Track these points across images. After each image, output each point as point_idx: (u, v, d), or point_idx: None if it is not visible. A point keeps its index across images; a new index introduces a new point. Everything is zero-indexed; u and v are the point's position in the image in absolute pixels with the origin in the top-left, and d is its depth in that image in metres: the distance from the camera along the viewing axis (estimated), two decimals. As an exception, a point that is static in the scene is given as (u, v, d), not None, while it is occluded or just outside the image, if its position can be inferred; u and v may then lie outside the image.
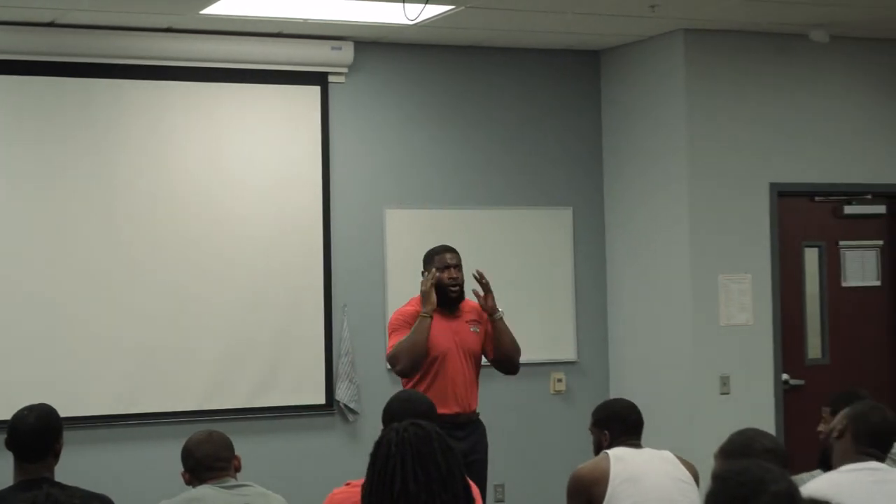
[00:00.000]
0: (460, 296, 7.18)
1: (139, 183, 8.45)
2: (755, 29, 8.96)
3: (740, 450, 4.33)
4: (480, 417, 7.25)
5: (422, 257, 9.03)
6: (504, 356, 7.24)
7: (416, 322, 6.97)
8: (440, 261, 7.18)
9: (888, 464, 5.23)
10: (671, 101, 9.02)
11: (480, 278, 7.14)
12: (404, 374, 7.04)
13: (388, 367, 7.40)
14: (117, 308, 8.35)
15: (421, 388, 6.95)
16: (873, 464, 4.59)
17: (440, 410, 6.90)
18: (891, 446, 4.75)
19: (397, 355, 7.00)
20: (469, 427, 7.10)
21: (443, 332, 7.06)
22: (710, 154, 8.96)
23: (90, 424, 8.24)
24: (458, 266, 7.19)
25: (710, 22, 8.72)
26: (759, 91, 9.12)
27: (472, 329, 7.18)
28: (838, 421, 4.73)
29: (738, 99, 9.06)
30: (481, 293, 7.13)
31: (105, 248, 8.35)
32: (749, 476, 2.98)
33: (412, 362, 6.98)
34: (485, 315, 7.21)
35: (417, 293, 7.14)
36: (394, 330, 7.15)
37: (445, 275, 7.13)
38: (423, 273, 7.24)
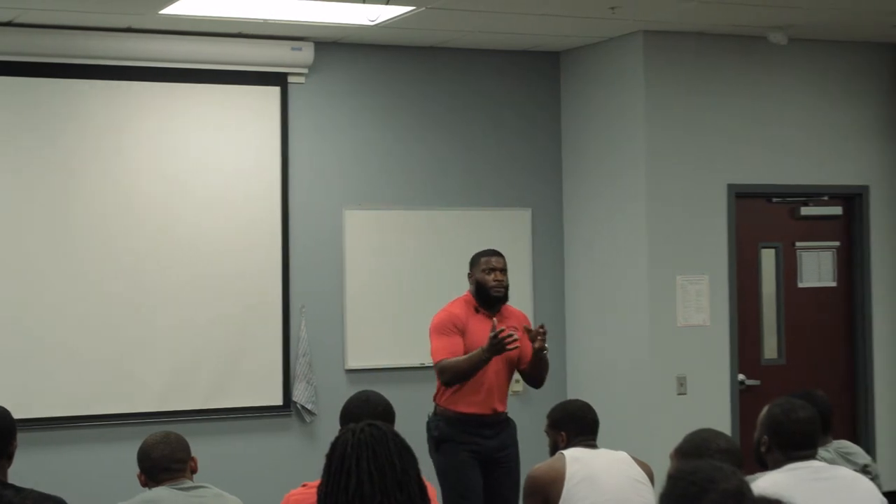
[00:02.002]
0: (503, 298, 7.22)
1: (97, 184, 8.42)
2: (714, 31, 9.00)
3: (696, 450, 4.36)
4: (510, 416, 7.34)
5: (381, 258, 9.08)
6: (537, 377, 7.30)
7: (476, 356, 6.94)
8: (486, 263, 7.24)
9: (823, 456, 5.30)
10: (630, 103, 9.05)
11: (541, 333, 7.08)
12: (444, 385, 7.12)
13: (431, 365, 7.33)
14: (73, 309, 8.31)
15: (453, 387, 7.07)
16: (809, 462, 4.64)
17: (469, 410, 7.05)
18: (817, 440, 4.80)
19: (446, 370, 7.04)
20: (497, 426, 7.17)
21: (483, 335, 7.02)
22: (669, 155, 8.99)
23: (45, 426, 8.21)
24: (504, 269, 7.25)
25: (669, 24, 8.76)
26: (717, 93, 9.16)
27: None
28: (759, 433, 4.78)
29: (697, 100, 9.10)
30: (536, 344, 7.08)
31: (61, 249, 8.32)
32: (700, 475, 3.01)
33: (454, 382, 7.06)
34: (522, 322, 7.26)
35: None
36: (439, 333, 7.15)
37: (490, 277, 7.19)
38: (468, 275, 7.30)
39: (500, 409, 7.18)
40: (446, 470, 7.10)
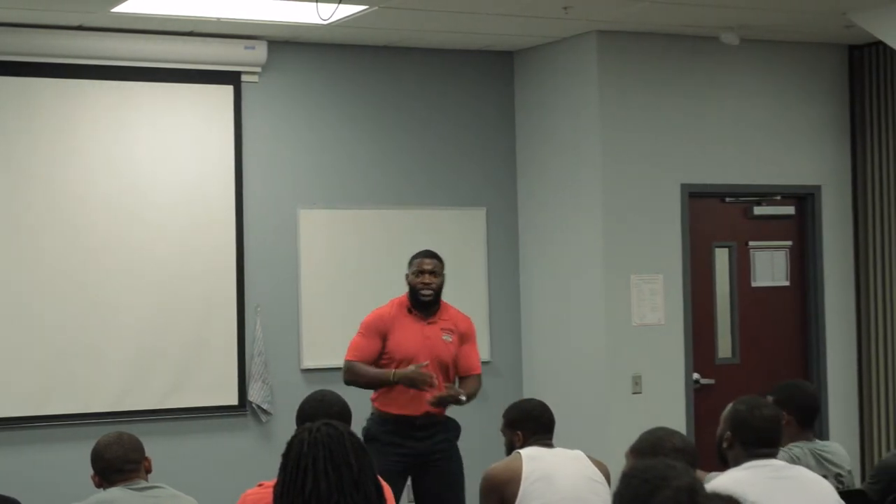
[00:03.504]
0: (434, 301, 7.17)
1: (48, 184, 8.36)
2: (667, 31, 9.03)
3: (650, 448, 4.37)
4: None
5: (336, 257, 9.07)
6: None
7: (384, 377, 6.99)
8: (417, 265, 7.21)
9: (794, 453, 5.33)
10: (584, 102, 9.07)
11: (455, 397, 7.08)
12: (345, 383, 7.12)
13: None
14: (26, 309, 8.26)
15: (385, 389, 7.05)
16: (770, 461, 4.67)
17: (400, 411, 6.99)
18: (779, 439, 4.83)
19: (349, 372, 7.12)
20: (430, 428, 7.08)
21: (413, 337, 7.06)
22: (623, 155, 9.02)
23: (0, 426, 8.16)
24: (434, 272, 7.18)
25: (622, 24, 8.78)
26: (670, 92, 9.19)
27: (444, 337, 7.16)
28: (723, 429, 4.80)
29: (651, 100, 9.12)
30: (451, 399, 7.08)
31: (13, 248, 8.26)
32: (652, 473, 3.01)
33: (353, 385, 7.10)
34: (461, 326, 7.24)
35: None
36: (361, 332, 7.19)
37: (419, 280, 7.15)
38: (406, 275, 7.27)
39: (432, 410, 7.09)
40: None
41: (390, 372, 6.98)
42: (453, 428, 7.25)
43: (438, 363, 7.09)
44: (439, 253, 9.07)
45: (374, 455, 7.07)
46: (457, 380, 7.25)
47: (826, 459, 5.57)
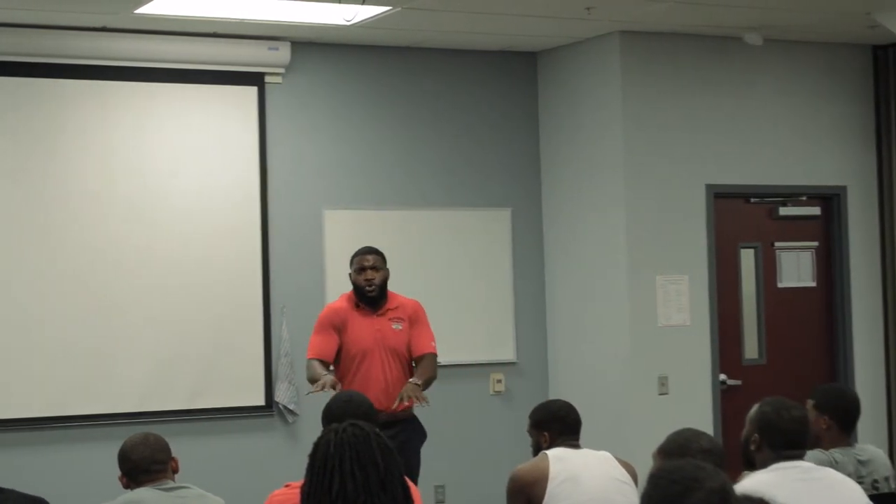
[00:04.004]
0: (379, 295, 7.19)
1: (74, 184, 8.38)
2: (690, 31, 9.01)
3: (678, 450, 4.35)
4: (416, 415, 7.23)
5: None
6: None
7: (316, 371, 7.00)
8: (358, 262, 7.23)
9: (825, 460, 5.29)
10: (607, 103, 9.06)
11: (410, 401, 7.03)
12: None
13: None
14: (54, 310, 8.28)
15: (344, 386, 6.99)
16: (798, 462, 4.64)
17: None
18: (806, 441, 4.79)
19: (307, 369, 7.15)
20: (397, 426, 7.00)
21: (364, 331, 7.12)
22: (647, 155, 9.00)
23: (27, 427, 8.15)
24: (376, 267, 7.19)
25: (645, 24, 8.76)
26: (694, 93, 9.17)
27: (394, 326, 7.18)
28: (749, 431, 4.77)
29: (674, 101, 9.10)
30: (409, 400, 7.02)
31: (40, 250, 8.28)
32: (682, 474, 2.99)
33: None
34: (408, 311, 7.25)
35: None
36: (316, 330, 7.24)
37: (362, 277, 7.18)
38: (349, 274, 7.29)
39: (395, 409, 7.00)
40: None
41: (328, 376, 6.91)
42: (417, 430, 7.20)
43: (393, 352, 7.12)
44: (462, 253, 9.12)
45: None
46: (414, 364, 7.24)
47: (864, 464, 5.52)
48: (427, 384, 7.09)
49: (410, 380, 7.09)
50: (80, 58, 8.36)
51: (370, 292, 7.14)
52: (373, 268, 7.18)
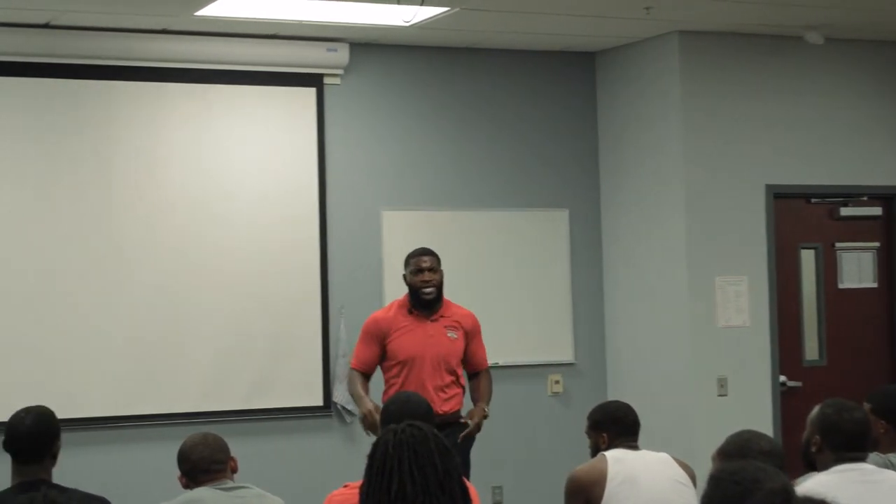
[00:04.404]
0: (436, 299, 7.13)
1: (134, 185, 8.44)
2: (750, 31, 8.96)
3: (738, 451, 4.33)
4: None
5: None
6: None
7: (359, 401, 7.07)
8: (414, 264, 7.15)
9: (874, 460, 5.24)
10: (666, 103, 9.02)
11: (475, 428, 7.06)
12: None
13: None
14: (114, 310, 8.34)
15: (391, 389, 7.04)
16: (859, 465, 4.60)
17: None
18: (868, 443, 4.75)
19: (348, 382, 7.27)
20: (443, 430, 6.88)
21: (414, 338, 7.05)
22: (706, 156, 8.96)
23: (87, 426, 8.23)
24: (433, 269, 7.13)
25: (704, 24, 8.72)
26: (754, 93, 9.12)
27: (449, 334, 7.12)
28: (810, 433, 4.73)
29: (734, 101, 9.06)
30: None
31: (101, 250, 8.34)
32: (744, 475, 2.99)
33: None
34: (466, 323, 7.19)
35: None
36: (360, 339, 7.22)
37: (418, 279, 7.10)
38: (403, 276, 7.27)
39: (444, 409, 7.01)
40: None
41: (363, 405, 6.99)
42: (459, 433, 7.10)
43: (444, 360, 7.05)
44: (520, 254, 9.09)
45: None
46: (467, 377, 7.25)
47: None
48: (488, 402, 7.14)
49: (481, 404, 7.07)
50: (141, 60, 8.42)
51: (427, 295, 7.08)
52: (430, 269, 7.12)
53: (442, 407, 6.99)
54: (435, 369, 7.04)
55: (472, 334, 7.22)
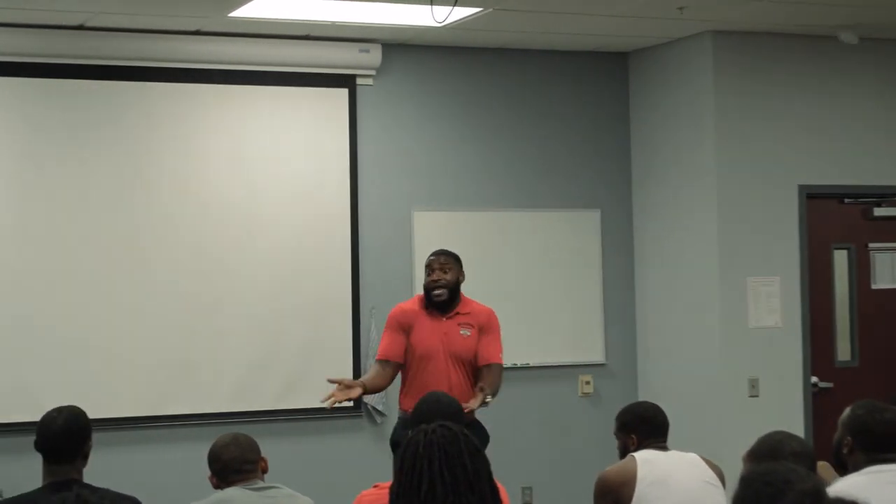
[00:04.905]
0: (449, 298, 7.07)
1: (167, 185, 8.48)
2: (784, 30, 8.93)
3: (769, 452, 4.32)
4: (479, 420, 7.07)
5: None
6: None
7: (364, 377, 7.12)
8: (427, 264, 7.15)
9: None
10: (699, 103, 9.01)
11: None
12: None
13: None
14: (145, 309, 8.37)
15: (405, 387, 7.05)
16: (891, 466, 4.57)
17: None
18: None
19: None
20: None
21: (430, 334, 7.02)
22: (739, 156, 8.94)
23: (118, 426, 8.27)
24: (444, 268, 7.08)
25: (738, 23, 8.70)
26: (787, 93, 9.09)
27: (461, 332, 7.07)
28: (842, 434, 4.71)
29: (767, 101, 9.03)
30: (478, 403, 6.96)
31: (133, 250, 8.38)
32: (775, 476, 2.98)
33: None
34: (480, 318, 7.14)
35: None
36: (385, 330, 7.20)
37: (429, 278, 7.09)
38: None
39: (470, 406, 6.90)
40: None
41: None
42: (479, 435, 6.93)
43: (457, 357, 7.01)
44: (551, 254, 9.07)
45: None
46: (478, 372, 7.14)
47: None
48: (493, 394, 7.01)
49: (485, 391, 6.93)
50: (174, 61, 8.45)
51: (437, 297, 7.04)
52: (441, 269, 7.08)
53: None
54: (448, 366, 7.01)
55: (485, 329, 7.14)
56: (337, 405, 6.99)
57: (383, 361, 7.12)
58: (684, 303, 9.11)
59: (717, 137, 8.90)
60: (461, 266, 7.19)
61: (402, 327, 7.11)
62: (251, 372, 8.54)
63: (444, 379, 6.97)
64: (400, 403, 7.18)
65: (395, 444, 7.03)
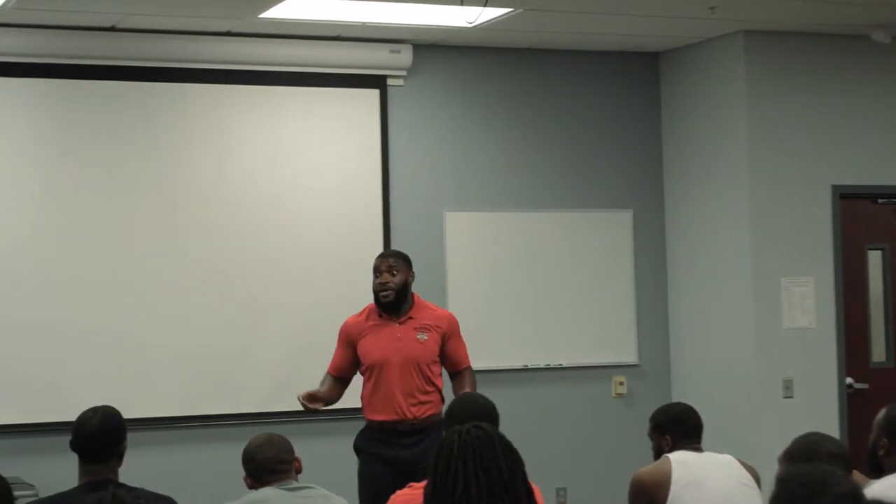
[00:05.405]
0: (395, 300, 6.88)
1: (199, 186, 8.50)
2: (816, 30, 8.90)
3: (804, 454, 4.30)
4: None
5: (482, 260, 9.07)
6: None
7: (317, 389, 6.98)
8: (374, 266, 6.96)
9: None
10: (731, 103, 8.98)
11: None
12: None
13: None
14: (179, 310, 8.40)
15: (365, 395, 6.95)
16: None
17: (379, 417, 6.80)
18: None
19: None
20: (416, 434, 6.82)
21: (381, 341, 6.87)
22: (771, 156, 8.91)
23: (153, 426, 8.29)
24: (392, 270, 6.88)
25: (769, 23, 8.67)
26: (820, 92, 9.06)
27: (418, 336, 6.89)
28: (877, 436, 4.68)
29: (799, 100, 9.00)
30: None
31: (166, 250, 8.40)
32: (811, 478, 2.97)
33: None
34: (441, 323, 6.97)
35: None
36: (337, 342, 7.08)
37: (377, 281, 6.89)
38: None
39: (416, 415, 6.85)
40: (359, 482, 6.92)
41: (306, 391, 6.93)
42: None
43: (413, 362, 6.82)
44: (583, 255, 9.04)
45: (362, 466, 6.82)
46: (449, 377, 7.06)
47: None
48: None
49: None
50: (206, 62, 8.47)
51: (384, 297, 6.85)
52: (389, 271, 6.89)
53: (412, 411, 6.85)
54: (404, 373, 6.83)
55: (449, 334, 6.98)
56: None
57: (332, 376, 7.03)
58: (718, 303, 9.08)
59: (749, 138, 8.86)
60: (410, 266, 7.00)
61: (349, 341, 6.97)
62: (286, 372, 8.55)
63: (400, 385, 6.81)
64: (364, 412, 7.04)
65: (357, 450, 7.01)
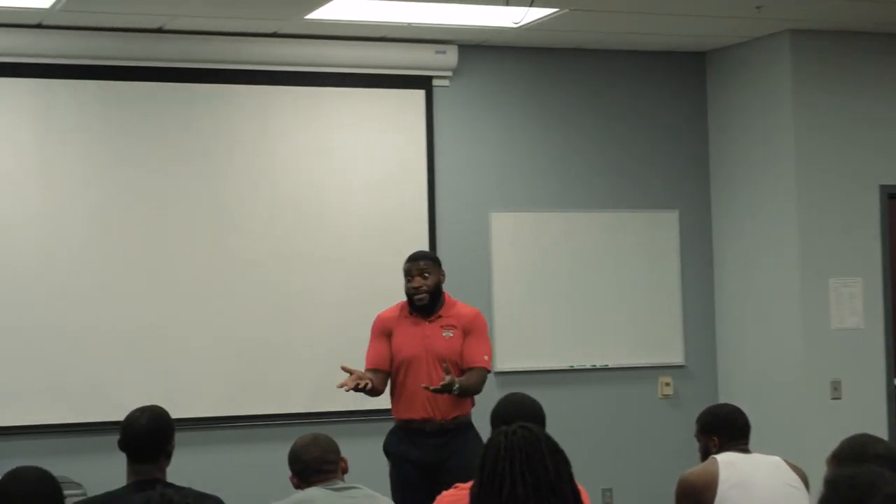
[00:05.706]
0: (429, 302, 6.93)
1: (245, 187, 8.53)
2: (862, 29, 8.85)
3: (853, 455, 4.27)
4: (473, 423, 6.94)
5: (528, 261, 9.06)
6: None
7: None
8: (406, 270, 6.99)
9: None
10: (778, 103, 8.93)
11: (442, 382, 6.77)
12: None
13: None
14: (225, 310, 8.43)
15: (393, 394, 6.97)
16: None
17: (407, 416, 6.82)
18: None
19: None
20: (446, 435, 6.84)
21: (411, 339, 6.91)
22: (819, 156, 8.86)
23: (200, 426, 8.32)
24: (423, 273, 6.92)
25: (816, 22, 8.63)
26: (867, 92, 9.00)
27: (444, 334, 6.92)
28: None
29: (846, 100, 8.95)
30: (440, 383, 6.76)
31: (213, 251, 8.44)
32: (860, 479, 2.96)
33: None
34: (464, 320, 6.97)
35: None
36: (371, 337, 7.09)
37: (409, 285, 6.93)
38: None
39: (444, 415, 6.85)
40: (391, 483, 6.91)
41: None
42: (472, 437, 6.87)
43: (441, 360, 6.81)
44: (629, 255, 9.01)
45: (392, 468, 6.73)
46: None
47: None
48: (465, 392, 6.78)
49: (455, 380, 6.72)
50: (252, 63, 8.51)
51: (419, 301, 6.91)
52: (420, 274, 6.93)
53: (440, 410, 6.85)
54: (432, 370, 6.83)
55: (469, 330, 6.97)
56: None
57: (372, 370, 7.00)
58: (765, 304, 9.03)
59: (796, 137, 8.82)
60: (440, 266, 7.05)
61: (385, 332, 7.01)
62: (331, 372, 8.51)
63: (428, 383, 6.78)
64: (392, 411, 7.06)
65: (386, 452, 7.02)
